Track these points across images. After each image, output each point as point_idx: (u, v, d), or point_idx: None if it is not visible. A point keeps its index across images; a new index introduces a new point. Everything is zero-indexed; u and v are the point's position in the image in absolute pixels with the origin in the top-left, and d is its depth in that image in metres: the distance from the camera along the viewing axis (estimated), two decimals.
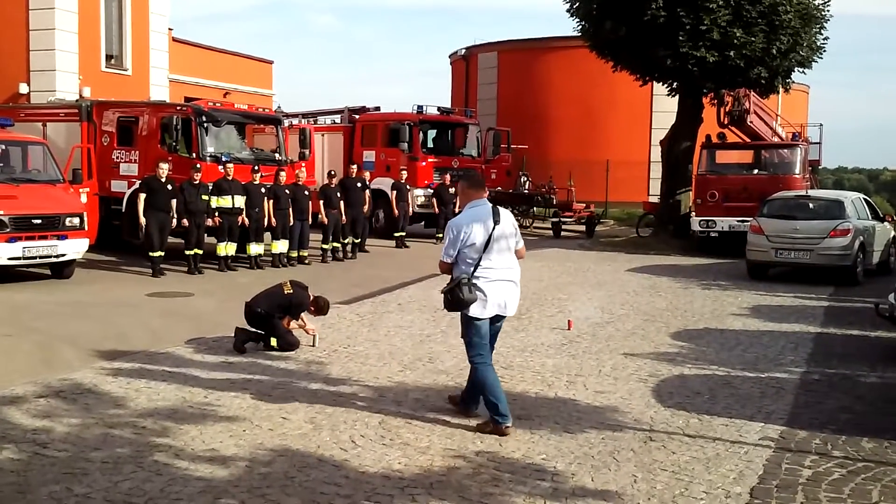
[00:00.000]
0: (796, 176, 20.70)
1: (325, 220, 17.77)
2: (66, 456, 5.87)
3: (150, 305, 12.26)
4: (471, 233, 6.56)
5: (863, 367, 9.10)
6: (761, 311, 12.59)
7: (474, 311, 6.57)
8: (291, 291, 9.55)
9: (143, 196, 14.94)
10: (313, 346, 9.53)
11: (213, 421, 6.73)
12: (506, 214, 6.83)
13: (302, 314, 9.62)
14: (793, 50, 20.66)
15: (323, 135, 25.17)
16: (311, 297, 9.74)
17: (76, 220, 13.93)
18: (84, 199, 15.10)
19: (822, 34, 21.56)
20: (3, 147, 15.10)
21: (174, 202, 15.02)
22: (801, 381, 8.48)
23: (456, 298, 6.51)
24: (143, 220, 14.87)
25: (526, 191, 27.97)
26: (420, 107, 23.83)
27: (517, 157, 31.42)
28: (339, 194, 18.18)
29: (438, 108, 24.97)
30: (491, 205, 6.76)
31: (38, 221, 13.45)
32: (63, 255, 13.84)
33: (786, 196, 17.48)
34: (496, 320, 6.84)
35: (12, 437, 6.23)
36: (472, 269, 6.56)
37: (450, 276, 6.69)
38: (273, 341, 9.27)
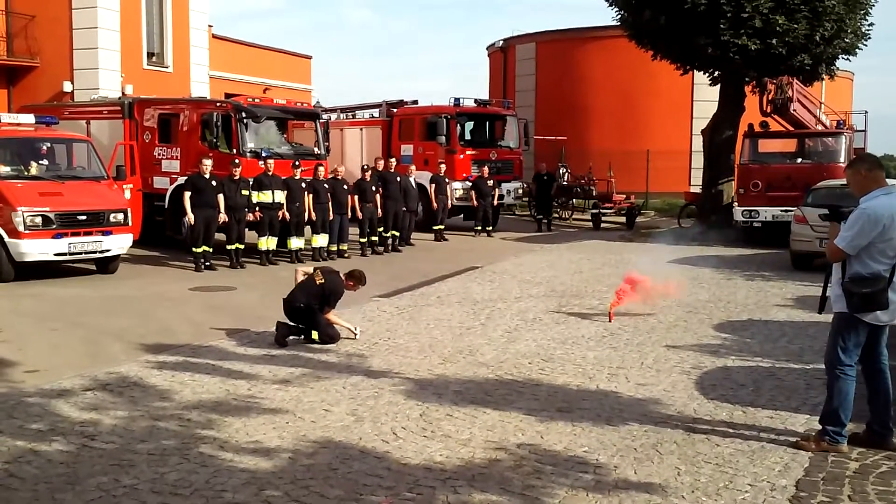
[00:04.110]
0: (841, 164, 20.31)
1: (360, 214, 17.82)
2: (113, 448, 5.97)
3: (194, 299, 12.41)
4: (891, 225, 5.75)
5: None
6: (806, 301, 12.38)
7: (882, 316, 5.88)
8: (323, 280, 9.60)
9: (187, 194, 15.12)
10: (355, 337, 9.59)
11: (257, 413, 6.79)
12: None
13: (340, 319, 9.66)
14: (837, 36, 20.30)
15: (361, 129, 25.27)
16: (345, 279, 9.80)
17: (120, 216, 14.14)
18: (127, 195, 15.30)
19: (866, 20, 21.19)
20: (49, 145, 15.37)
21: (220, 198, 15.18)
22: None
23: (876, 301, 5.77)
24: (191, 216, 15.05)
25: (565, 182, 27.82)
26: (457, 99, 23.76)
27: (556, 148, 31.27)
28: (374, 188, 18.21)
29: (476, 100, 24.87)
30: None
31: (83, 218, 13.67)
32: (108, 251, 14.06)
33: (830, 185, 17.16)
34: None
35: (61, 429, 6.35)
36: (889, 269, 5.78)
37: (839, 267, 5.93)
38: (314, 334, 9.34)
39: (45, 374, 7.98)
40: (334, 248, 17.10)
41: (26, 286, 13.02)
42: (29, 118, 15.70)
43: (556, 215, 27.34)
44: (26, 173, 14.12)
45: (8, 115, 16.40)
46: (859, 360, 6.08)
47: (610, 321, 10.72)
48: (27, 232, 13.06)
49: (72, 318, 10.82)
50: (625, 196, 26.60)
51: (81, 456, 5.81)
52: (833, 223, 6.11)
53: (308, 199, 16.40)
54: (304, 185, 16.39)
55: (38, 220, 13.17)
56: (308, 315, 9.42)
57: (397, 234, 18.96)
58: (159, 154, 17.83)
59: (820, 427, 6.12)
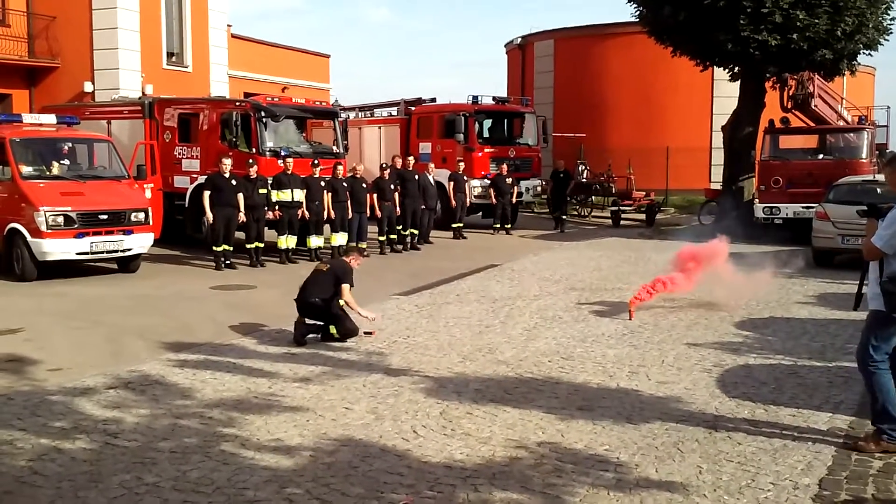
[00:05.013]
0: (863, 160, 20.18)
1: (379, 212, 17.84)
2: (135, 446, 6.01)
3: (214, 298, 12.47)
4: None
5: None
6: (828, 298, 12.31)
7: None
8: (328, 266, 9.66)
9: (207, 193, 15.19)
10: (372, 321, 9.63)
11: (278, 411, 6.82)
12: None
13: (357, 308, 9.63)
14: (858, 31, 20.12)
15: (380, 127, 25.29)
16: (347, 258, 9.90)
17: (141, 216, 14.23)
18: (148, 194, 15.40)
19: (888, 14, 20.99)
20: (70, 145, 15.49)
21: (240, 196, 15.25)
22: None
23: None
24: (209, 215, 15.12)
25: (584, 179, 27.73)
26: (475, 97, 23.71)
27: (575, 145, 31.19)
28: (392, 186, 18.22)
29: (494, 98, 24.83)
30: None
31: (105, 217, 13.77)
32: (129, 250, 14.15)
33: (852, 181, 17.02)
34: None
35: (84, 427, 6.40)
36: None
37: (876, 265, 5.89)
38: (332, 329, 9.35)
39: (67, 373, 8.05)
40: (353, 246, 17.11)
41: (49, 285, 13.13)
42: (50, 118, 15.82)
43: (576, 212, 27.25)
44: (48, 173, 14.24)
45: (30, 116, 16.53)
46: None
47: (630, 319, 10.68)
48: (49, 231, 13.17)
49: (94, 316, 10.90)
50: (644, 193, 26.49)
51: (104, 454, 5.85)
52: (871, 220, 6.05)
53: (327, 198, 16.45)
54: (323, 183, 16.44)
55: (60, 219, 13.28)
56: (324, 308, 9.42)
57: (416, 232, 18.97)
58: (179, 153, 17.93)
59: (874, 428, 6.02)
